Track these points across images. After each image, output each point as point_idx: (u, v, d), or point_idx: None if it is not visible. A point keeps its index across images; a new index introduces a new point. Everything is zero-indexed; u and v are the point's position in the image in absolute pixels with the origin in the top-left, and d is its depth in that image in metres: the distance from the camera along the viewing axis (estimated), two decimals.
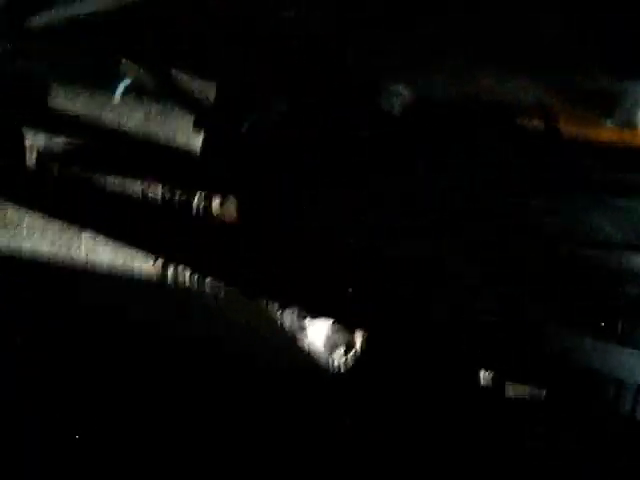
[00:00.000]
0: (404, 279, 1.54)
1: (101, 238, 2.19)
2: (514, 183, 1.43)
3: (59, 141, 2.15)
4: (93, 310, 1.96)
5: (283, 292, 1.61)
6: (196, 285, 1.92)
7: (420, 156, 1.52)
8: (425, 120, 1.46)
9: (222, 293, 1.83)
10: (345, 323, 1.67)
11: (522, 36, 1.26)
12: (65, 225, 2.23)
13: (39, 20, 1.62)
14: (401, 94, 1.34)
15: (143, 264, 2.13)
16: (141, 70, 2.41)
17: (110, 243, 2.16)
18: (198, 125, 2.28)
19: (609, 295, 1.40)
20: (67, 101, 2.20)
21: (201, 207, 2.32)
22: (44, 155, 2.13)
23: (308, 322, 1.98)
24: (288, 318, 1.73)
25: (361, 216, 1.61)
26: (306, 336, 2.00)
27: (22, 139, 1.98)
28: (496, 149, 1.46)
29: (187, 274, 1.95)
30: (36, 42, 1.76)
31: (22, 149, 1.96)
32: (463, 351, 1.54)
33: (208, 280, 1.87)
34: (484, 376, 1.61)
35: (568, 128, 1.36)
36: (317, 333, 1.96)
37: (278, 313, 1.70)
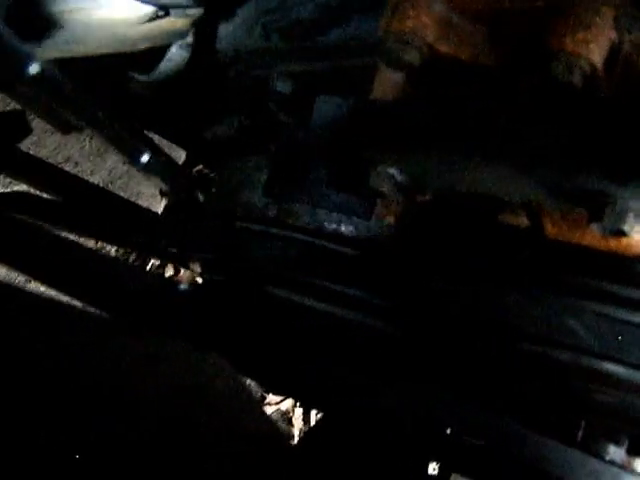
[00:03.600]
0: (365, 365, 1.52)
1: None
2: (490, 277, 1.42)
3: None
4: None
5: (245, 360, 1.57)
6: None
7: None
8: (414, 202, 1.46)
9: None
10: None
11: (514, 134, 1.27)
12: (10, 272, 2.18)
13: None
14: (393, 176, 1.33)
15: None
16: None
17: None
18: (163, 193, 2.27)
19: (576, 400, 1.39)
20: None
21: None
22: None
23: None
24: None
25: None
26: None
27: None
28: (476, 243, 1.46)
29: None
30: None
31: None
32: (416, 441, 1.51)
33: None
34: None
35: (553, 228, 1.36)
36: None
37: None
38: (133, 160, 0.96)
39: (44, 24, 1.33)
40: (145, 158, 0.95)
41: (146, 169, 0.98)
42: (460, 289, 1.44)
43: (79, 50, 1.40)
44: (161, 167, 1.00)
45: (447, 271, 1.47)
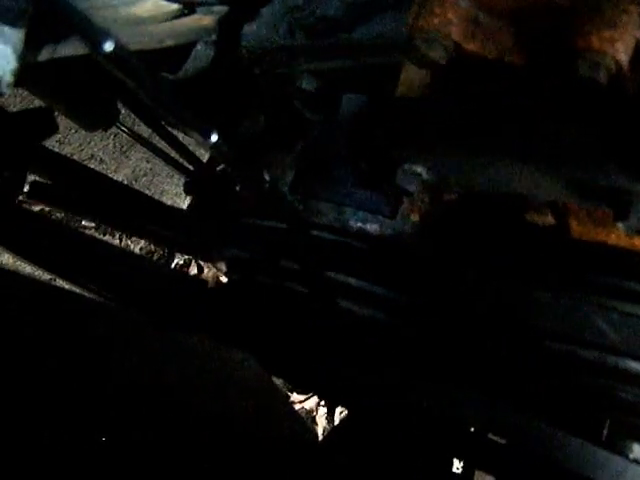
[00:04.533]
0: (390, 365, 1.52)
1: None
2: (518, 276, 1.42)
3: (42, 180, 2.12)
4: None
5: (271, 358, 1.57)
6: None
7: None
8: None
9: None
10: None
11: (540, 132, 1.26)
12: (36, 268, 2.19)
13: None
14: (419, 174, 1.33)
15: None
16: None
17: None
18: (188, 190, 2.27)
19: (600, 398, 1.38)
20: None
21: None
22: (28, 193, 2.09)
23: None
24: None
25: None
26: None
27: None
28: (502, 242, 1.45)
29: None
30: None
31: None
32: (440, 439, 1.51)
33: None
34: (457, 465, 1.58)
35: (579, 227, 1.35)
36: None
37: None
38: (203, 139, 0.97)
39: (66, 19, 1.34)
40: (214, 137, 0.95)
41: (215, 148, 0.99)
42: (486, 288, 1.43)
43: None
44: (228, 148, 1.00)
45: (473, 270, 1.47)
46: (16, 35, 1.07)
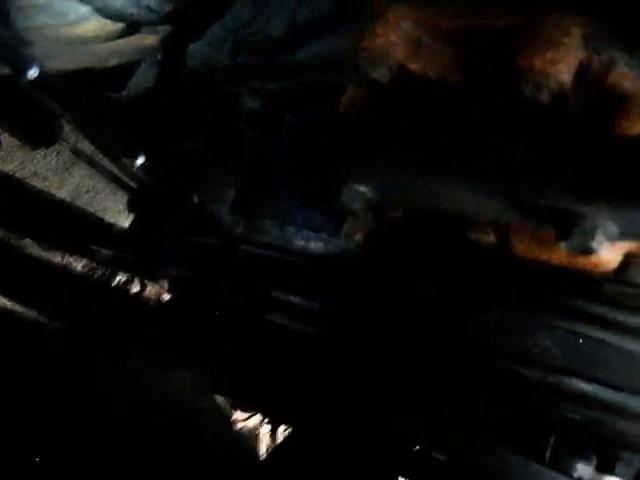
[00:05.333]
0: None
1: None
2: (461, 295, 1.43)
3: None
4: None
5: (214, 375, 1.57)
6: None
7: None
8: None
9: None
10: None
11: (482, 151, 1.28)
12: None
13: None
14: (363, 193, 1.34)
15: None
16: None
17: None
18: (131, 207, 2.26)
19: (543, 416, 1.39)
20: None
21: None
22: None
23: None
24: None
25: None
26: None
27: None
28: (445, 261, 1.46)
29: None
30: None
31: None
32: (385, 459, 1.51)
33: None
34: None
35: (521, 247, 1.36)
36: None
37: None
38: (131, 160, 0.97)
39: (13, 40, 1.33)
40: (141, 159, 0.95)
41: (143, 169, 0.99)
42: (436, 305, 1.44)
43: (50, 66, 1.39)
44: (159, 170, 1.01)
45: (416, 288, 1.47)
46: None
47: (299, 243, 1.54)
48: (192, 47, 1.51)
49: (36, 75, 0.85)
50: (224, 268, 1.55)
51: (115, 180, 2.32)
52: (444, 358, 1.42)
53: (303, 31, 1.39)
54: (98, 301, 1.97)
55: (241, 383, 1.53)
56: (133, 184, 2.31)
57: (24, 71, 0.85)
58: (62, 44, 1.38)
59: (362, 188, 1.32)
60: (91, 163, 2.34)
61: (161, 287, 1.82)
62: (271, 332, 1.51)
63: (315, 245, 1.53)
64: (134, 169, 1.00)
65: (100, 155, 2.25)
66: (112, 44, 1.42)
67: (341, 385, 1.47)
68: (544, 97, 1.10)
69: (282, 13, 1.38)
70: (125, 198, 2.28)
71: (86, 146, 2.31)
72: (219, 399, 2.18)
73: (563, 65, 1.09)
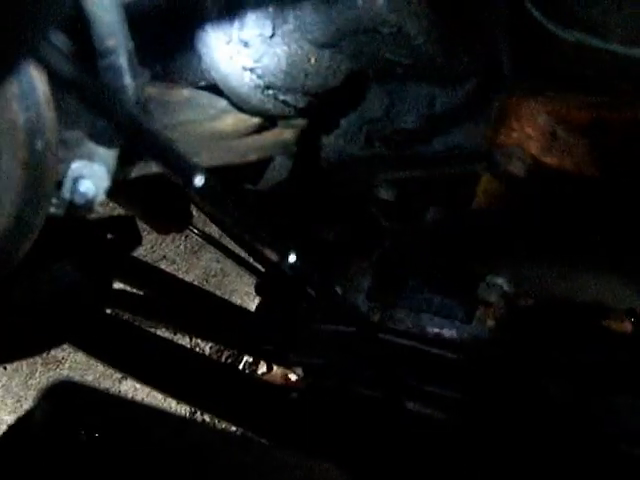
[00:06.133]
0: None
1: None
2: (595, 382, 1.42)
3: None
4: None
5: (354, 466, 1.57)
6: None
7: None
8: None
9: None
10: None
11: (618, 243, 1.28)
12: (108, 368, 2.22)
13: None
14: (500, 286, 1.35)
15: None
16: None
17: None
18: (259, 290, 2.30)
19: None
20: None
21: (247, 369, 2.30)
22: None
23: None
24: None
25: None
26: None
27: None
28: (580, 348, 1.46)
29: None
30: None
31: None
32: None
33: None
34: None
35: None
36: None
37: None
38: (280, 259, 1.00)
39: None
40: (292, 258, 0.98)
41: (292, 268, 1.01)
42: (564, 394, 1.44)
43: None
44: (305, 265, 1.03)
45: (552, 375, 1.47)
46: (110, 155, 1.10)
47: (432, 330, 1.55)
48: (325, 139, 1.55)
49: (202, 183, 0.88)
50: (361, 357, 1.57)
51: (242, 263, 2.36)
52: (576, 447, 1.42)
53: (438, 123, 1.42)
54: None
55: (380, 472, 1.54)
56: (260, 267, 2.36)
57: (191, 179, 0.88)
58: (204, 140, 1.43)
59: (499, 281, 1.34)
60: (218, 247, 2.40)
61: (295, 372, 1.85)
62: (411, 422, 1.52)
63: (448, 332, 1.54)
64: (285, 267, 1.02)
65: (227, 239, 2.30)
66: (250, 139, 1.46)
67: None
68: None
69: (416, 106, 1.41)
70: (252, 280, 2.33)
71: (214, 230, 2.37)
72: None
73: None
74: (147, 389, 2.12)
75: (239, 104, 1.39)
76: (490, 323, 1.52)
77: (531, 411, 1.48)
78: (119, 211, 1.92)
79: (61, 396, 1.06)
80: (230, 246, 2.32)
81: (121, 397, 1.74)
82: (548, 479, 1.47)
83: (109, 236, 1.79)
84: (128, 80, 1.03)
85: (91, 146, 1.06)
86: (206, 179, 0.87)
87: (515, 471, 1.49)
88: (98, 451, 1.04)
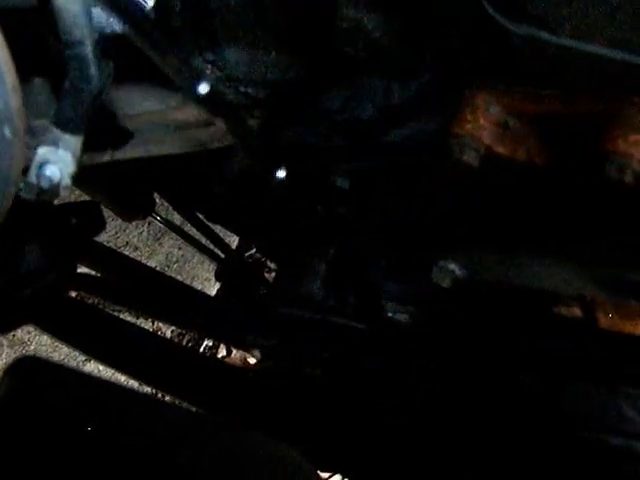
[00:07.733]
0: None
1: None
2: (548, 368, 1.46)
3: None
4: None
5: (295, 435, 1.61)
6: None
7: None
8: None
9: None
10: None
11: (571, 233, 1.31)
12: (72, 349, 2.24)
13: None
14: (452, 271, 1.39)
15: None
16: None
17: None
18: (219, 276, 2.33)
19: None
20: None
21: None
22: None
23: None
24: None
25: None
26: None
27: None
28: (534, 335, 1.50)
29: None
30: None
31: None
32: None
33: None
34: None
35: (606, 320, 1.40)
36: None
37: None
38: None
39: (120, 126, 1.41)
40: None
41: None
42: (532, 382, 1.48)
43: (156, 151, 1.47)
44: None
45: (503, 362, 1.51)
46: (75, 142, 1.13)
47: (386, 315, 1.59)
48: (286, 129, 1.58)
49: (206, 91, 0.88)
50: (317, 340, 1.60)
51: (203, 250, 2.39)
52: (531, 433, 1.46)
53: (394, 115, 1.45)
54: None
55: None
56: (220, 254, 2.39)
57: (195, 87, 0.87)
58: (167, 130, 1.46)
59: (452, 266, 1.38)
60: (181, 234, 2.42)
61: (253, 355, 1.88)
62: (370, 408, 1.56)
63: (402, 317, 1.57)
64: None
65: (189, 226, 2.33)
66: (212, 128, 1.50)
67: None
68: (628, 178, 1.14)
69: (374, 98, 1.44)
70: (212, 267, 2.36)
71: (176, 217, 2.40)
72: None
73: None
74: (110, 370, 2.14)
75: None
76: (444, 307, 1.56)
77: (497, 399, 1.52)
78: (84, 198, 1.95)
79: (26, 372, 1.09)
80: (191, 233, 2.35)
81: (85, 373, 1.76)
82: (518, 468, 1.50)
83: (74, 221, 1.81)
84: (93, 71, 1.05)
85: (57, 132, 1.07)
86: (210, 88, 0.87)
87: (485, 459, 1.53)
88: (68, 428, 1.06)
